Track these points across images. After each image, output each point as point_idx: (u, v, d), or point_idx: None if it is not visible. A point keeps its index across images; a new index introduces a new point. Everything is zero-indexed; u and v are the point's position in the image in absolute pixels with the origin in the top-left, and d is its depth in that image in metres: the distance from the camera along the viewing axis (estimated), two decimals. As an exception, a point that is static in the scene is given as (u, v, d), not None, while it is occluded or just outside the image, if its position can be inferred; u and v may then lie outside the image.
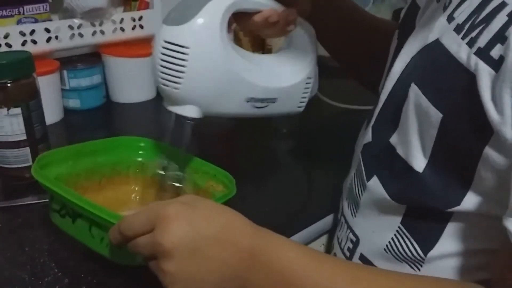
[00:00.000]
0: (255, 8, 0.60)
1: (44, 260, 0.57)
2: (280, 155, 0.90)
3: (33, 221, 0.65)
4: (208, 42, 0.55)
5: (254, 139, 0.91)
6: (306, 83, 0.68)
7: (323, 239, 0.72)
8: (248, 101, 0.62)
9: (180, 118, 0.58)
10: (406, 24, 0.57)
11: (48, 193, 0.56)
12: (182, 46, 0.54)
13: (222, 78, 0.58)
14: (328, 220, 0.69)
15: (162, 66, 0.55)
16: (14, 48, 0.90)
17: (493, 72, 0.39)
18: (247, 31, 0.70)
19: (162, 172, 0.62)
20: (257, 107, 0.63)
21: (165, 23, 0.55)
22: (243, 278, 0.45)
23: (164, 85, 0.55)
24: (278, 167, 0.84)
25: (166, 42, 0.54)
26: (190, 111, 0.58)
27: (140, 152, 0.68)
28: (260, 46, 1.26)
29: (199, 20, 0.54)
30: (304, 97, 0.69)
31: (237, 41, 1.23)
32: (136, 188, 0.67)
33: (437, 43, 0.46)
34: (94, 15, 0.98)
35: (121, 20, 1.03)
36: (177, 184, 0.61)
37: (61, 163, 0.62)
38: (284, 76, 0.66)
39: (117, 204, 0.62)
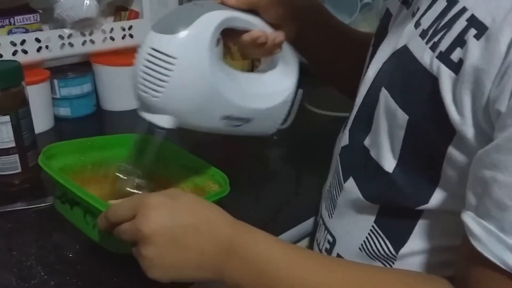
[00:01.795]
0: (245, 27, 0.60)
1: (31, 263, 0.59)
2: (268, 160, 0.92)
3: (21, 226, 0.67)
4: (196, 55, 0.54)
5: (244, 145, 0.92)
6: (283, 107, 0.68)
7: (305, 242, 0.73)
8: (223, 119, 0.60)
9: (152, 126, 0.57)
10: (380, 31, 0.59)
11: (52, 180, 0.59)
12: (169, 56, 0.52)
13: (203, 93, 0.56)
14: (309, 223, 0.71)
15: (144, 72, 0.53)
16: (5, 57, 0.92)
17: (453, 74, 0.41)
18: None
19: (122, 176, 0.61)
20: (231, 126, 0.62)
21: (154, 30, 0.54)
22: (220, 268, 0.47)
23: (144, 91, 0.54)
24: (264, 172, 0.85)
25: (152, 49, 0.53)
26: (164, 121, 0.56)
27: None
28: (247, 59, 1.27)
29: (190, 32, 0.53)
30: (279, 120, 0.69)
31: (226, 50, 1.24)
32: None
33: (405, 49, 0.48)
34: (84, 25, 1.00)
35: (111, 30, 1.05)
36: (133, 191, 0.60)
37: (68, 155, 0.64)
38: (263, 97, 0.65)
39: (119, 198, 0.63)
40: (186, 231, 0.46)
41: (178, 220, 0.46)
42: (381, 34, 0.57)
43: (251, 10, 0.61)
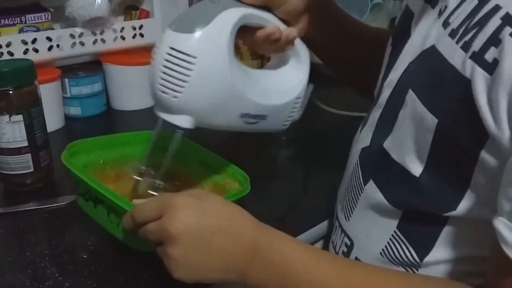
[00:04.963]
0: (259, 23, 0.60)
1: (45, 264, 0.58)
2: (279, 162, 0.91)
3: (34, 226, 0.66)
4: (216, 54, 0.54)
5: (254, 146, 0.91)
6: (295, 103, 0.67)
7: (319, 245, 0.72)
8: (241, 117, 0.60)
9: (170, 126, 0.56)
10: (400, 30, 0.57)
11: (75, 178, 0.58)
12: (189, 55, 0.52)
13: (223, 91, 0.56)
14: (323, 225, 0.70)
15: (164, 73, 0.52)
16: (16, 56, 0.91)
17: (487, 75, 0.40)
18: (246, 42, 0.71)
19: (139, 178, 0.61)
20: (248, 123, 0.62)
21: (172, 28, 0.53)
22: (244, 269, 0.47)
23: (163, 92, 0.53)
24: (276, 174, 0.85)
25: (172, 49, 0.52)
26: (184, 121, 0.55)
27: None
28: (258, 54, 1.27)
29: (209, 30, 0.53)
30: (291, 116, 0.68)
31: (236, 49, 1.24)
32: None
33: (433, 49, 0.47)
34: (95, 24, 0.99)
35: (122, 29, 1.04)
36: (153, 193, 0.60)
37: (90, 152, 0.64)
38: (277, 94, 0.65)
39: (140, 193, 0.63)
40: (211, 232, 0.46)
41: (204, 221, 0.46)
42: (402, 33, 0.56)
43: (264, 7, 0.61)
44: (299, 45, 0.67)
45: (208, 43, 0.53)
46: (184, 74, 0.52)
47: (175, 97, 0.53)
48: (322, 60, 0.79)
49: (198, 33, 0.52)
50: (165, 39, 0.53)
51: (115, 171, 0.66)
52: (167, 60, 0.52)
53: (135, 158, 0.66)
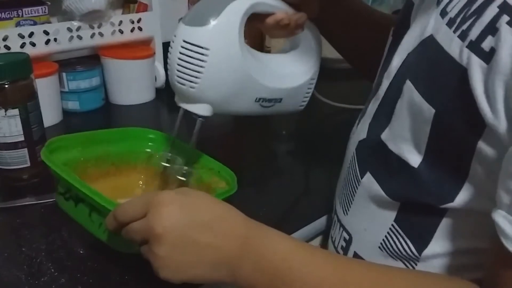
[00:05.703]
0: (269, 10, 0.61)
1: (41, 260, 0.58)
2: (279, 156, 0.90)
3: (30, 221, 0.66)
4: (227, 44, 0.56)
5: (254, 140, 0.91)
6: (310, 84, 0.70)
7: (318, 240, 0.72)
8: (257, 101, 0.63)
9: (191, 115, 0.59)
10: (401, 21, 0.57)
11: (55, 176, 0.57)
12: (202, 47, 0.55)
13: (237, 79, 0.59)
14: (322, 220, 0.69)
15: (179, 65, 0.56)
16: (12, 50, 0.90)
17: (484, 64, 0.39)
18: (247, 33, 0.71)
19: (167, 165, 0.63)
20: (264, 107, 0.65)
21: (184, 23, 0.56)
22: (232, 266, 0.45)
23: (181, 83, 0.56)
24: (275, 168, 0.84)
25: (185, 42, 0.55)
26: (203, 109, 0.59)
27: (149, 143, 0.70)
28: (258, 48, 1.26)
29: (219, 22, 0.55)
30: (306, 97, 0.71)
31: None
32: (142, 177, 0.68)
33: (431, 39, 0.46)
34: (93, 18, 0.99)
35: (120, 22, 1.04)
36: (182, 178, 0.62)
37: (71, 149, 0.63)
38: (291, 77, 0.68)
39: (123, 192, 0.63)
40: (199, 229, 0.44)
41: (191, 218, 0.45)
42: (402, 24, 0.55)
43: None
44: (310, 27, 0.68)
45: (220, 34, 0.56)
46: (199, 66, 0.55)
47: (192, 87, 0.56)
48: (331, 43, 0.78)
49: (209, 26, 0.55)
50: (179, 33, 0.56)
51: (96, 169, 0.64)
52: (181, 53, 0.55)
53: (117, 156, 0.67)
